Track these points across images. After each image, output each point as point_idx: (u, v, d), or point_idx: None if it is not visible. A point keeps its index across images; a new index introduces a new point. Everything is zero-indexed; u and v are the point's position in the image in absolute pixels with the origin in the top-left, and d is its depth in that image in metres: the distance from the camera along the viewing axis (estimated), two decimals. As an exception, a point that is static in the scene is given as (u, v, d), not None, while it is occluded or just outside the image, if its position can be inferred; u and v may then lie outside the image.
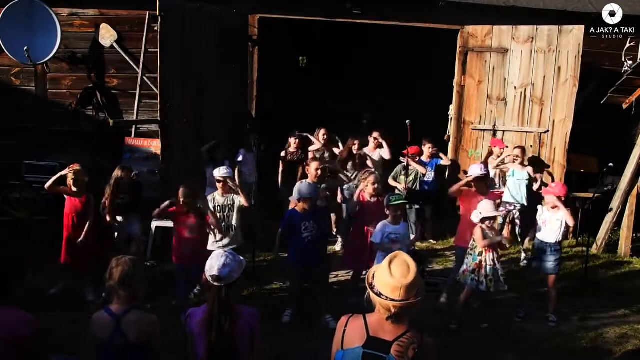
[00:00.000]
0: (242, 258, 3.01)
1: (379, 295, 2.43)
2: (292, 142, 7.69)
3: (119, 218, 6.05)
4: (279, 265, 6.77)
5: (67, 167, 5.77)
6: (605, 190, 7.78)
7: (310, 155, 7.44)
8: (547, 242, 5.46)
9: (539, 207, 5.69)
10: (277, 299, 5.87)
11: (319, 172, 6.04)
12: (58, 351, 4.14)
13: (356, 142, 7.53)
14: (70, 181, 5.63)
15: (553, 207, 5.46)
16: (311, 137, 7.81)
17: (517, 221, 7.19)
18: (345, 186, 7.38)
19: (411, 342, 2.41)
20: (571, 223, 5.44)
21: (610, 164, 6.84)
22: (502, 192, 7.23)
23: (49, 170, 7.49)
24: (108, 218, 5.86)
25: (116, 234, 6.13)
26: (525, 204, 7.10)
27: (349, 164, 7.46)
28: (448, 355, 4.67)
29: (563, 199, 5.46)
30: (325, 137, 7.82)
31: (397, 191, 7.19)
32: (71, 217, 5.65)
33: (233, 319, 2.84)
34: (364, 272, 5.66)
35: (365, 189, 5.87)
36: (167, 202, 5.35)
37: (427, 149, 7.86)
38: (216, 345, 2.82)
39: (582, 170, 8.17)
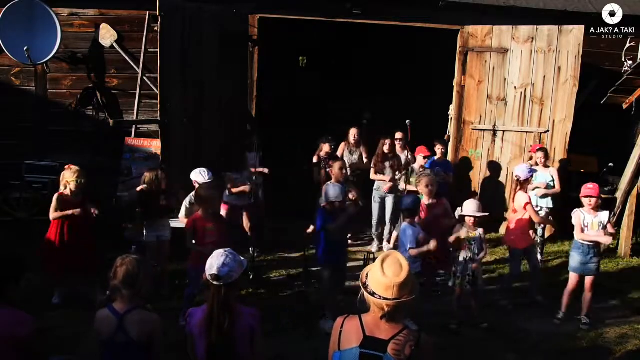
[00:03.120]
0: (242, 258, 3.00)
1: (372, 294, 2.44)
2: (326, 147, 7.47)
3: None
4: (279, 265, 6.82)
5: (64, 168, 5.65)
6: (606, 190, 7.78)
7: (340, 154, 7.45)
8: (590, 245, 5.35)
9: (576, 210, 5.54)
10: (277, 299, 5.87)
11: (343, 171, 5.92)
12: (58, 351, 4.13)
13: (387, 141, 7.35)
14: (71, 184, 5.47)
15: (592, 208, 5.37)
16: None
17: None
18: (384, 187, 7.30)
19: (407, 340, 2.41)
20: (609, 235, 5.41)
21: (610, 164, 6.84)
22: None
23: (49, 170, 7.51)
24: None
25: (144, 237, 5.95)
26: (551, 206, 7.08)
27: (387, 164, 7.31)
28: (448, 355, 4.68)
29: (602, 198, 5.46)
30: (357, 137, 7.72)
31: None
32: (67, 224, 5.47)
33: (233, 319, 2.83)
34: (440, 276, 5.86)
35: (421, 193, 5.83)
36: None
37: (439, 150, 7.69)
38: (216, 345, 2.82)
39: (582, 170, 8.16)
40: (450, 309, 5.41)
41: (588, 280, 5.40)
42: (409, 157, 7.48)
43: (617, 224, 7.79)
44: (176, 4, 7.18)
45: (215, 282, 2.85)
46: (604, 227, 5.33)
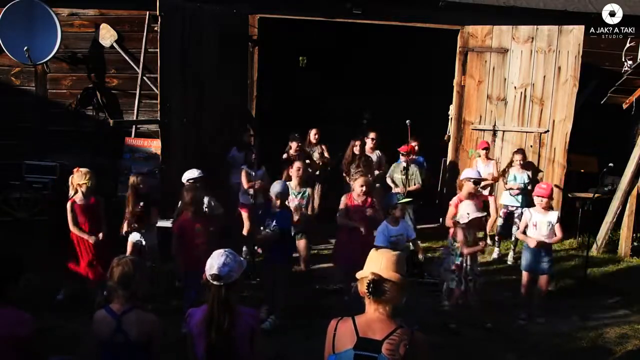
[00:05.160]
0: (242, 259, 3.01)
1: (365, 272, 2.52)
2: (294, 145, 7.53)
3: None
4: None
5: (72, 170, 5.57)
6: (606, 190, 7.78)
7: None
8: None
9: (526, 209, 5.69)
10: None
11: (301, 171, 6.07)
12: (58, 351, 4.13)
13: (357, 143, 7.46)
14: (83, 187, 5.40)
15: (543, 208, 5.44)
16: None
17: (517, 220, 7.19)
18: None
19: (402, 339, 2.41)
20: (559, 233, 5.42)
21: (610, 164, 6.84)
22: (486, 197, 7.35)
23: (49, 170, 7.51)
24: (125, 227, 5.60)
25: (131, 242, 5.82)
26: (526, 207, 7.11)
27: (352, 166, 7.30)
28: (448, 355, 4.68)
29: (553, 198, 5.47)
30: (317, 136, 7.86)
31: (395, 190, 7.20)
32: (86, 225, 5.45)
33: (232, 319, 2.83)
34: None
35: (354, 190, 5.82)
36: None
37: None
38: (216, 345, 2.82)
39: (582, 170, 8.17)
40: (451, 309, 5.41)
41: (542, 279, 5.45)
42: (380, 156, 7.69)
43: (617, 224, 7.80)
44: (176, 4, 7.19)
45: (215, 282, 2.85)
46: (552, 227, 5.36)
